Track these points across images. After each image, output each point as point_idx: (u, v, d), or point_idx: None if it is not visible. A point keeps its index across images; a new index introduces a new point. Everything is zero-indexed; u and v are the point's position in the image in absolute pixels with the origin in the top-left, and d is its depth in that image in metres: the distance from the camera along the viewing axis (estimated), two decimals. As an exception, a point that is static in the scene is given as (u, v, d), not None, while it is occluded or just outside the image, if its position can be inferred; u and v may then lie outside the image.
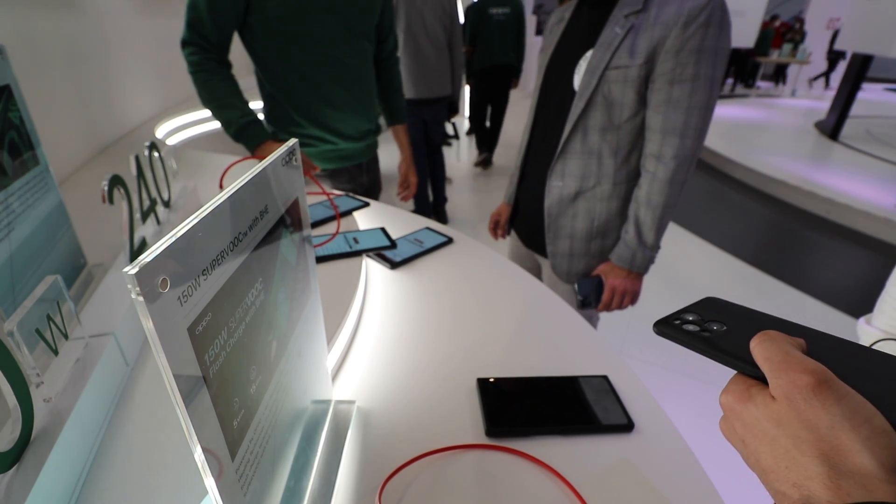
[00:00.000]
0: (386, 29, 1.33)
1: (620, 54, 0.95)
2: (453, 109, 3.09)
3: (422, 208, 3.22)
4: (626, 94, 0.98)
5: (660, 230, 1.03)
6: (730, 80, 8.54)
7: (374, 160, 1.50)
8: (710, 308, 0.37)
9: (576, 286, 1.14)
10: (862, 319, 0.71)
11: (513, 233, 1.36)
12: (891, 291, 0.67)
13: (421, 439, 0.52)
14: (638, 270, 1.07)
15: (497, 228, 1.39)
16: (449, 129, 5.43)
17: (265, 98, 1.29)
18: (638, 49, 0.94)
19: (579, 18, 1.08)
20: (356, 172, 1.41)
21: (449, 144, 5.28)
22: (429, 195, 3.27)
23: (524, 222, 1.27)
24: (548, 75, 1.14)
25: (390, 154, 1.49)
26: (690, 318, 0.36)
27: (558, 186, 1.10)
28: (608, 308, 1.12)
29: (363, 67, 1.29)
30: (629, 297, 1.11)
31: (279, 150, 0.37)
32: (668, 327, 0.35)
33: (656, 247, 1.05)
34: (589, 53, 1.00)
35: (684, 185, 0.99)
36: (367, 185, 1.46)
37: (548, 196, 1.13)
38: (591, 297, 1.11)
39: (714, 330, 0.33)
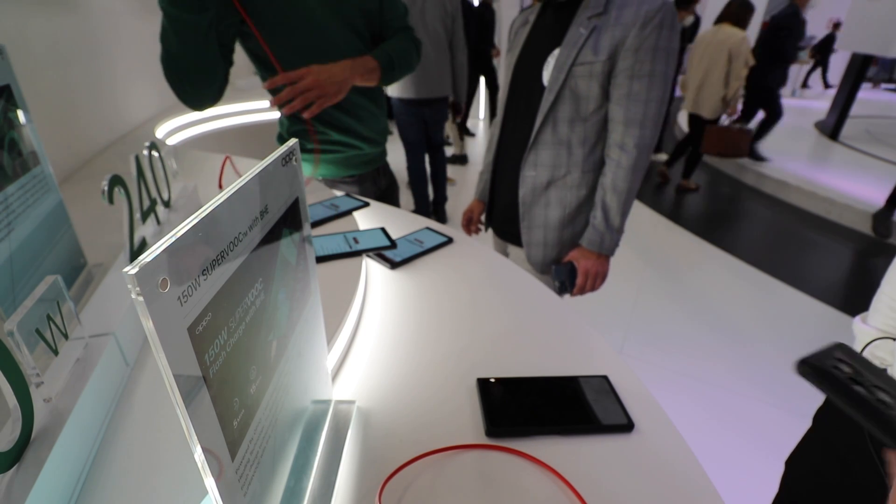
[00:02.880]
0: (388, 3, 1.25)
1: (585, 52, 1.03)
2: (457, 110, 3.09)
3: (422, 208, 3.22)
4: (591, 88, 1.06)
5: (624, 214, 1.11)
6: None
7: (387, 162, 1.50)
8: (857, 361, 0.31)
9: (552, 272, 1.20)
10: (858, 318, 0.71)
11: (491, 230, 1.44)
12: (886, 290, 0.68)
13: (421, 439, 0.52)
14: (606, 253, 1.15)
15: (470, 224, 1.46)
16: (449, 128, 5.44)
17: (284, 115, 1.26)
18: (601, 47, 1.02)
19: (544, 21, 1.16)
20: (376, 176, 1.41)
21: (449, 143, 5.28)
22: (429, 194, 3.27)
23: (499, 214, 1.33)
24: (517, 73, 1.20)
25: (392, 156, 1.49)
26: (847, 371, 0.30)
27: (531, 176, 1.17)
28: (582, 291, 1.20)
29: None
30: (600, 278, 1.19)
31: (278, 150, 0.37)
32: (824, 375, 0.29)
33: (621, 230, 1.14)
34: (556, 51, 1.08)
35: (644, 171, 1.09)
36: (384, 186, 1.45)
37: (522, 186, 1.19)
38: (566, 283, 1.18)
39: (884, 402, 0.28)
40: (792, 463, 0.79)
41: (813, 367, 0.31)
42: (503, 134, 1.28)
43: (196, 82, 1.04)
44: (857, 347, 0.68)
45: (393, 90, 2.77)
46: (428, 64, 2.66)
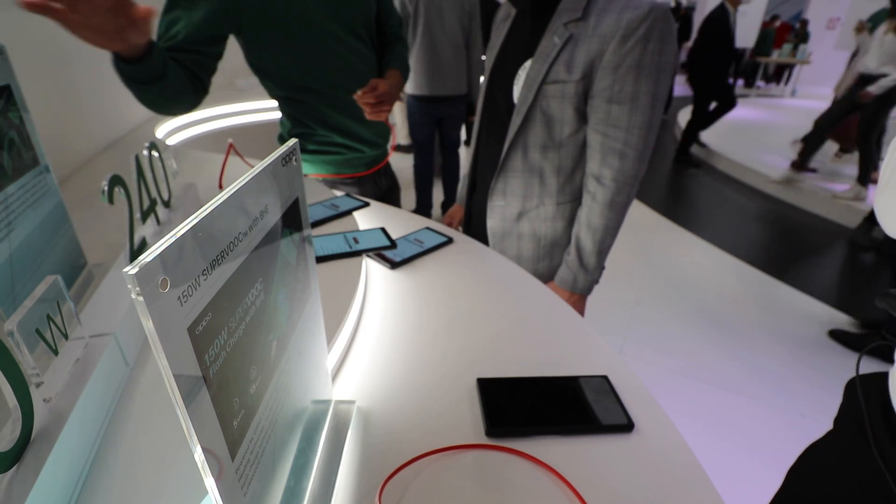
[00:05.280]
0: (386, 13, 1.30)
1: (557, 67, 0.89)
2: (471, 110, 3.09)
3: (423, 208, 3.22)
4: (564, 111, 0.92)
5: (601, 253, 0.99)
6: (730, 81, 8.54)
7: (388, 163, 1.50)
8: None
9: None
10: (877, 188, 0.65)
11: None
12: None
13: (421, 439, 0.52)
14: (580, 293, 1.03)
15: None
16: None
17: (285, 115, 1.27)
18: (575, 63, 0.88)
19: (523, 20, 1.01)
20: (377, 176, 1.42)
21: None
22: (432, 195, 3.26)
23: (476, 234, 1.21)
24: (491, 82, 1.07)
25: (393, 156, 1.50)
26: None
27: (500, 206, 1.06)
28: None
29: (373, 67, 1.28)
30: None
31: (278, 150, 0.37)
32: None
33: (598, 269, 1.02)
34: (528, 63, 0.94)
35: (626, 206, 0.96)
36: (385, 187, 1.46)
37: (490, 216, 1.08)
38: None
39: None
40: (806, 454, 0.78)
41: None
42: (478, 147, 1.15)
43: (165, 110, 1.07)
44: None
45: (409, 87, 2.76)
46: (445, 62, 2.67)
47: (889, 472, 0.56)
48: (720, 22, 4.28)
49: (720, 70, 4.33)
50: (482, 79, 1.14)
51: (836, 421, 0.72)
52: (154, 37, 1.00)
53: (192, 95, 1.05)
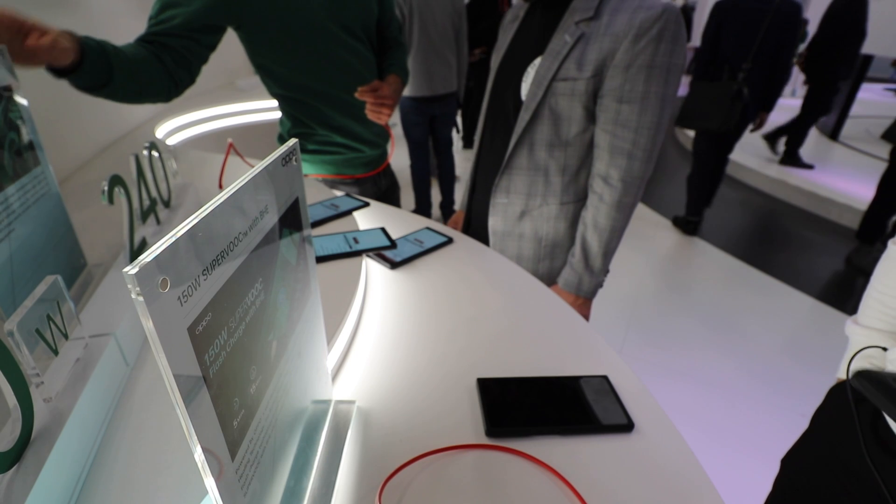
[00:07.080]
0: (386, 18, 1.31)
1: (568, 65, 0.90)
2: (460, 106, 3.10)
3: (422, 208, 3.22)
4: (573, 109, 0.93)
5: (607, 255, 0.99)
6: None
7: (388, 163, 1.51)
8: None
9: None
10: (849, 320, 0.71)
11: None
12: (875, 286, 0.68)
13: (421, 439, 0.52)
14: (585, 296, 1.03)
15: None
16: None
17: (285, 115, 1.27)
18: (586, 61, 0.88)
19: (532, 19, 1.01)
20: (377, 176, 1.42)
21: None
22: (431, 195, 3.26)
23: (475, 236, 1.20)
24: (497, 81, 1.07)
25: (393, 156, 1.50)
26: None
27: (503, 204, 1.06)
28: None
29: (372, 69, 1.28)
30: None
31: (278, 150, 0.37)
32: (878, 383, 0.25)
33: (603, 271, 1.01)
34: (538, 61, 0.94)
35: (632, 207, 0.96)
36: (385, 187, 1.46)
37: (492, 214, 1.07)
38: None
39: None
40: (787, 462, 0.79)
41: (870, 379, 0.27)
42: (481, 149, 1.14)
43: (134, 103, 1.04)
44: (852, 349, 0.68)
45: (406, 90, 2.78)
46: (439, 61, 2.68)
47: (879, 475, 0.56)
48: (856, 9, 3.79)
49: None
50: (489, 79, 1.13)
51: (816, 422, 0.72)
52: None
53: (162, 91, 1.03)
